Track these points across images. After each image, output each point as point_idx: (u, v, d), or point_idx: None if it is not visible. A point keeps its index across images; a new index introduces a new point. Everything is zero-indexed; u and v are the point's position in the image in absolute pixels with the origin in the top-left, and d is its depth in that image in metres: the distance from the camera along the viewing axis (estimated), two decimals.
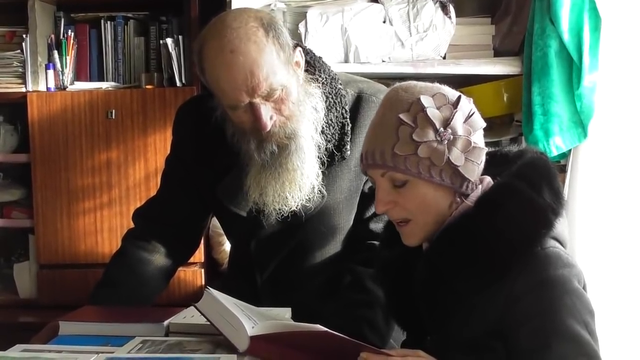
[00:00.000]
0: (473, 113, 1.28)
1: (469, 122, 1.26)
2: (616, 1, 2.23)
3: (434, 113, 1.24)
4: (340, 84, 1.68)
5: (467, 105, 1.28)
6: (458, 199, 1.28)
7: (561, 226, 1.26)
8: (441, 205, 1.28)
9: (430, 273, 1.29)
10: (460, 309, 1.26)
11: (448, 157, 1.24)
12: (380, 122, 1.30)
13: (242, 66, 1.48)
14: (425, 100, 1.25)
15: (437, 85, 1.31)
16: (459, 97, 1.28)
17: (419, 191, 1.26)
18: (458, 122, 1.25)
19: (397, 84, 1.32)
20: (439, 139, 1.24)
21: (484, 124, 1.29)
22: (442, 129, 1.24)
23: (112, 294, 1.68)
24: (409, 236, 1.32)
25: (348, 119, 1.66)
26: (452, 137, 1.24)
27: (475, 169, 1.27)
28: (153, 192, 1.91)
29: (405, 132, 1.24)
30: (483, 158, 1.28)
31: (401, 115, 1.25)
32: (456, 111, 1.25)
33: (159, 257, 1.77)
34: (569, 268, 1.22)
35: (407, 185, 1.26)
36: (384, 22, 2.45)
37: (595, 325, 1.21)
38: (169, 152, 1.86)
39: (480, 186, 1.29)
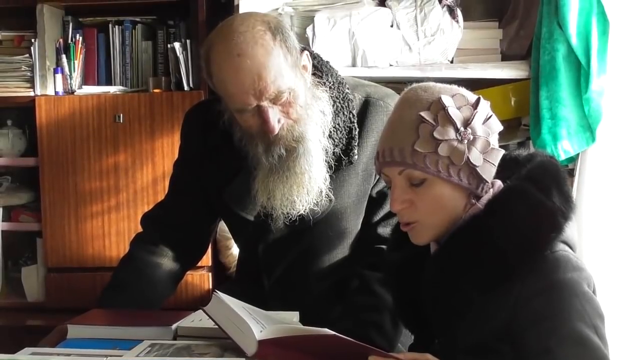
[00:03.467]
0: (491, 115, 1.29)
1: (487, 124, 1.27)
2: (624, 5, 2.23)
3: (455, 112, 1.25)
4: (348, 88, 1.68)
5: (485, 107, 1.29)
6: (473, 201, 1.28)
7: (571, 230, 1.26)
8: (456, 206, 1.27)
9: (438, 276, 1.29)
10: (467, 312, 1.26)
11: (468, 157, 1.24)
12: (398, 120, 1.29)
13: (250, 69, 1.48)
14: (446, 100, 1.25)
15: (455, 86, 1.32)
16: (479, 99, 1.28)
17: (436, 190, 1.26)
18: (478, 123, 1.25)
19: (415, 85, 1.32)
20: (459, 138, 1.24)
21: (501, 127, 1.30)
22: (462, 128, 1.24)
23: (120, 298, 1.68)
24: (417, 236, 1.31)
25: (355, 123, 1.66)
26: (472, 137, 1.24)
27: (492, 171, 1.27)
28: (161, 196, 1.91)
29: (426, 129, 1.24)
30: (499, 160, 1.28)
31: (422, 113, 1.25)
32: (476, 112, 1.26)
33: (167, 261, 1.77)
34: (579, 272, 1.21)
35: (425, 184, 1.26)
36: (392, 26, 2.45)
37: (604, 330, 1.21)
38: (177, 156, 1.86)
39: (491, 189, 1.29)
